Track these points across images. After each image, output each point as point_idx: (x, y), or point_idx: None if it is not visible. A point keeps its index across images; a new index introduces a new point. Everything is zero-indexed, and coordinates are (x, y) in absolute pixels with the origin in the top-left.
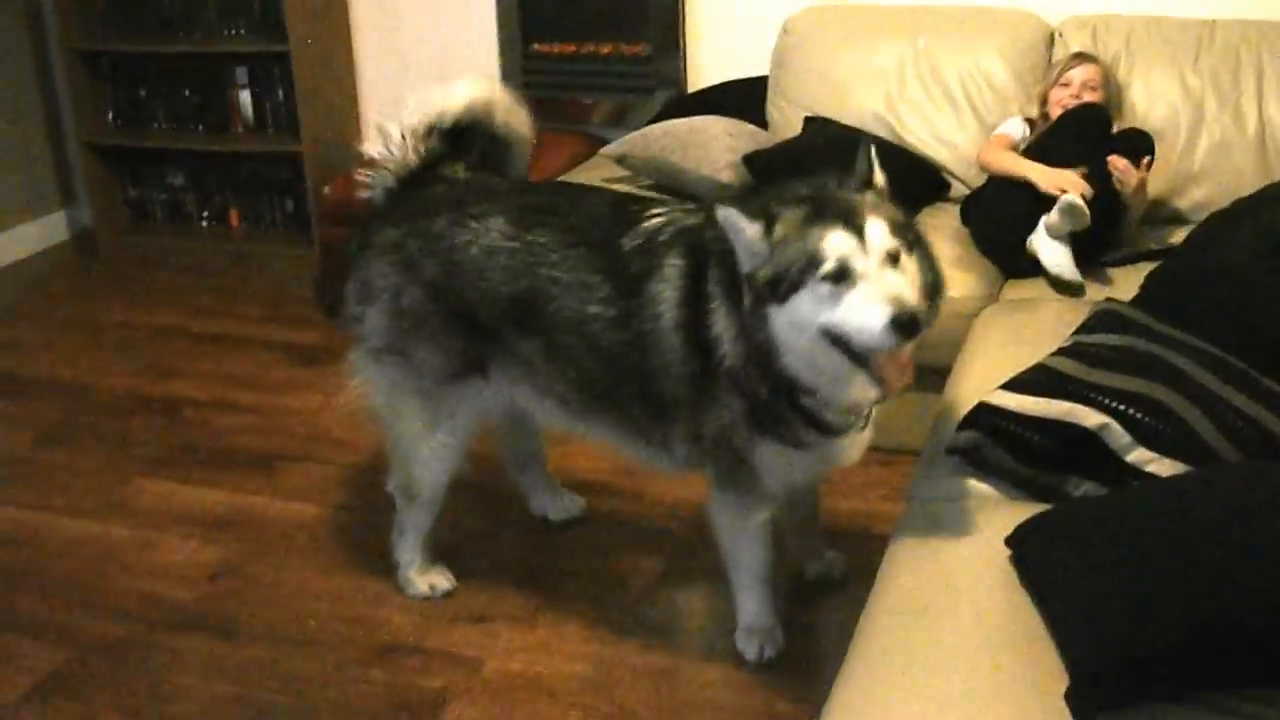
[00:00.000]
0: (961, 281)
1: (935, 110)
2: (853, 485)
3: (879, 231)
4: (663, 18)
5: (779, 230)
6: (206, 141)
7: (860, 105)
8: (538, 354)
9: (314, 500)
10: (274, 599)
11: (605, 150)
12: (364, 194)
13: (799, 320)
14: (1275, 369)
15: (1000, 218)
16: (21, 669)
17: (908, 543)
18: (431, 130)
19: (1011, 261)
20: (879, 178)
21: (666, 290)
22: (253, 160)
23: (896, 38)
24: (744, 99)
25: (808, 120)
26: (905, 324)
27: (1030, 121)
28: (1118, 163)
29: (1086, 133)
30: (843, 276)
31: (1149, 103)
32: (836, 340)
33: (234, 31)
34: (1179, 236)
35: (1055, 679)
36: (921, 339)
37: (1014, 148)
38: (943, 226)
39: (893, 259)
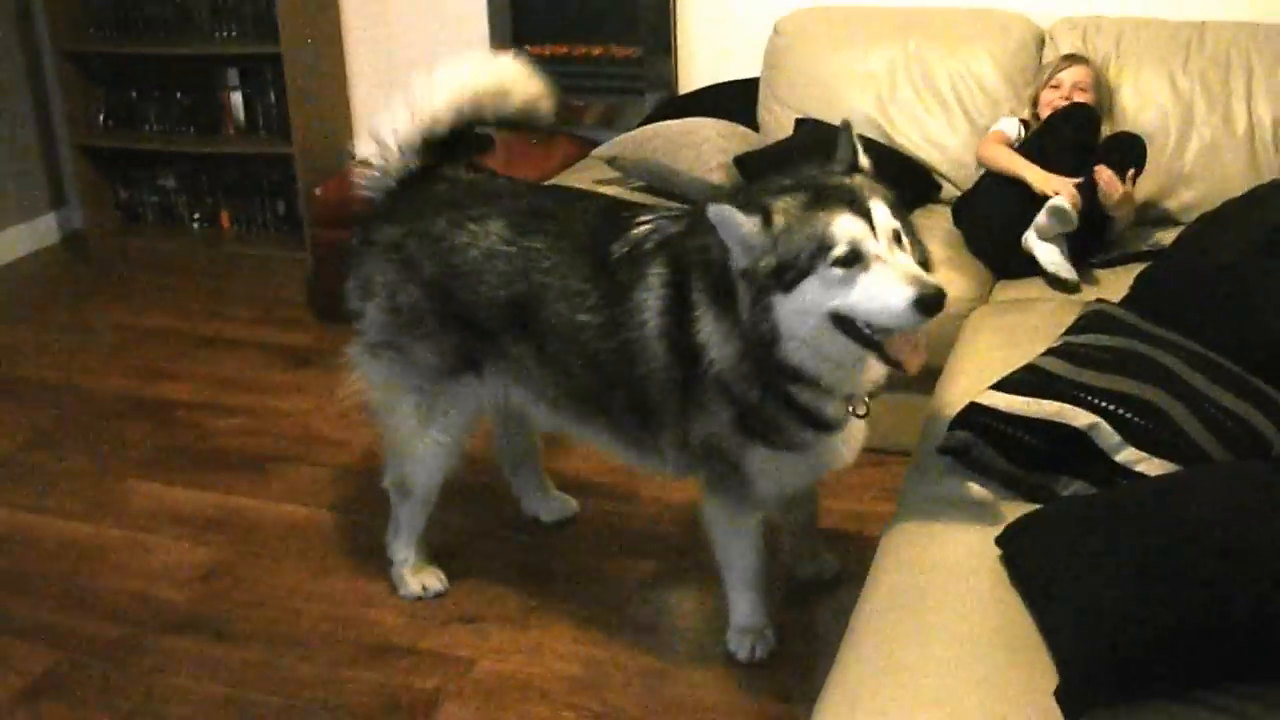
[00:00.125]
0: (952, 283)
1: (926, 112)
2: (844, 485)
3: (883, 212)
4: (654, 19)
5: (779, 220)
6: (198, 143)
7: (851, 107)
8: (531, 357)
9: (306, 501)
10: (266, 600)
11: (596, 152)
12: (365, 194)
13: (807, 306)
14: (1264, 369)
15: (993, 217)
16: (13, 670)
17: (899, 542)
18: (428, 144)
19: (1004, 260)
20: (864, 160)
21: (650, 298)
22: (244, 162)
23: (888, 40)
24: (735, 101)
25: (799, 122)
26: (929, 302)
27: (1024, 123)
28: (1103, 174)
29: (1076, 133)
30: (854, 260)
31: (1139, 104)
32: (845, 324)
33: (225, 34)
34: (1169, 237)
35: (1045, 677)
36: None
37: (1009, 145)
38: (934, 228)
39: (897, 238)
